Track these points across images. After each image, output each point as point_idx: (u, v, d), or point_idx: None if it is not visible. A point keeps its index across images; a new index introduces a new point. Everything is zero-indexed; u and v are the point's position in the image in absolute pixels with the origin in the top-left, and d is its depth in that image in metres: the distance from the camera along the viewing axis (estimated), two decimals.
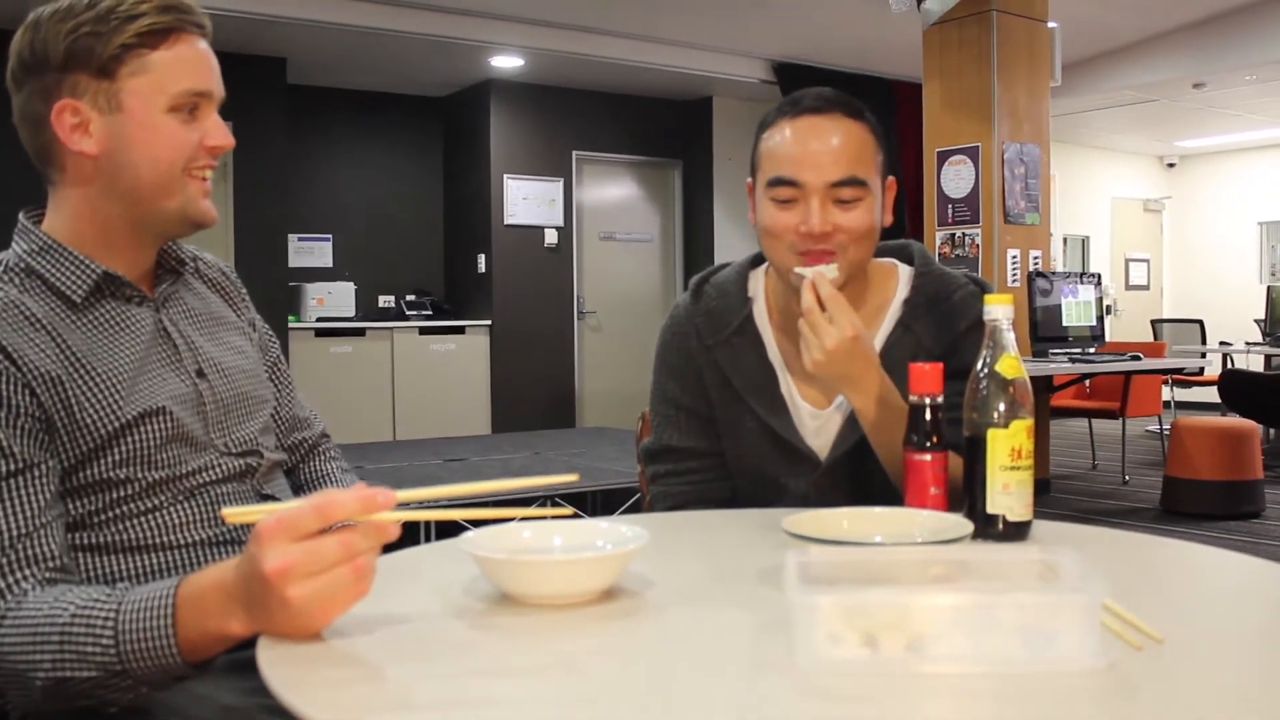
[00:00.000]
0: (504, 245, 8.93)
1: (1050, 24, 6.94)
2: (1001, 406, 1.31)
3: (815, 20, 7.75)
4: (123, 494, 1.29)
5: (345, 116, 8.92)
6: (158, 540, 1.31)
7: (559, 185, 9.26)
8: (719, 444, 1.79)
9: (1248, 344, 9.09)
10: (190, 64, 1.34)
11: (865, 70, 8.78)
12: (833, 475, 1.71)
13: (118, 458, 1.28)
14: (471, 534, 1.13)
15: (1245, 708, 0.81)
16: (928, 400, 1.38)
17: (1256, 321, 9.72)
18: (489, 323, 8.88)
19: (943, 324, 1.70)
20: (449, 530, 1.23)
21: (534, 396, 9.17)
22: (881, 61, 8.59)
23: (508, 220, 8.93)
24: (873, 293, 1.75)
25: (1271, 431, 8.29)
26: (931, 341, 1.70)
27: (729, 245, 9.62)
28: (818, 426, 1.72)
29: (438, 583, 1.19)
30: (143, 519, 1.30)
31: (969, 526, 1.23)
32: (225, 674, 1.20)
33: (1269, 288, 8.73)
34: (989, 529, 1.31)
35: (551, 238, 9.16)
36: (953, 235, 6.76)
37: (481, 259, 8.96)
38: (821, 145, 1.61)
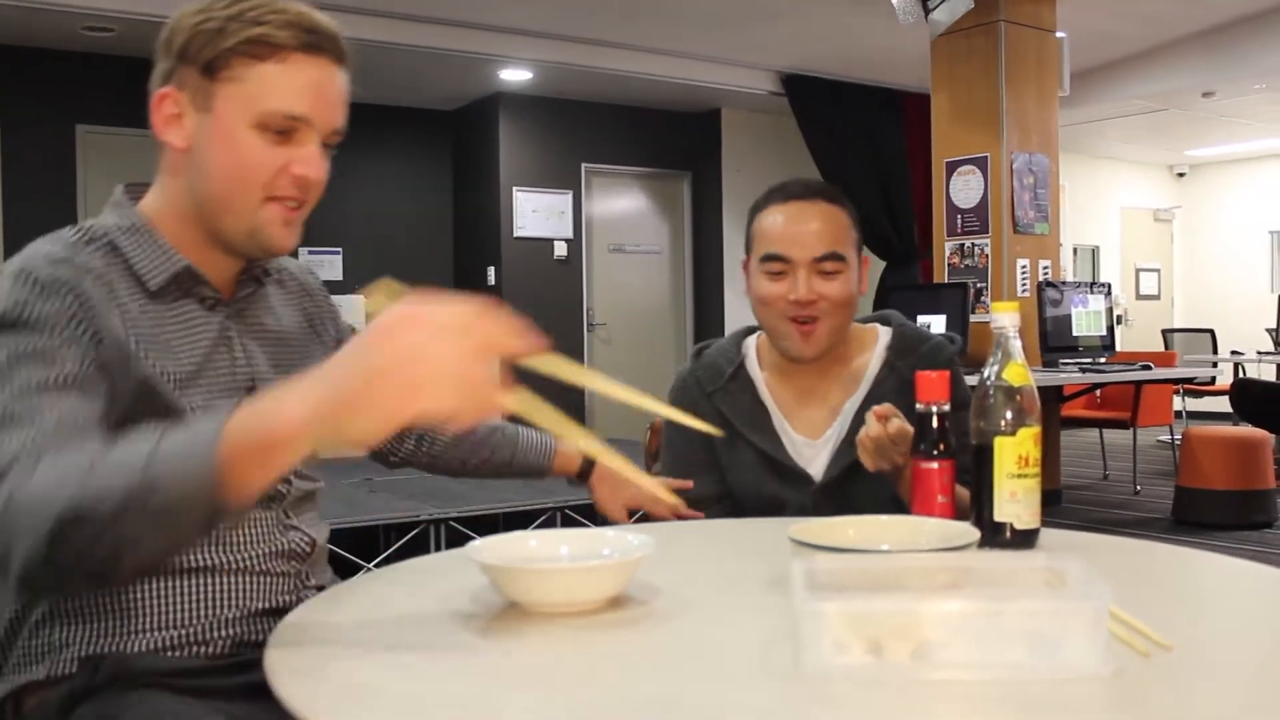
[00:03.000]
0: (513, 258, 8.94)
1: (1059, 34, 6.93)
2: (1008, 414, 1.31)
3: (823, 32, 7.76)
4: None
5: (354, 130, 8.71)
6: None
7: (568, 198, 9.27)
8: (720, 488, 1.94)
9: (1259, 353, 9.07)
10: (295, 86, 1.28)
11: (873, 81, 8.78)
12: (827, 493, 1.85)
13: None
14: (478, 542, 1.13)
15: (1254, 715, 0.80)
16: (934, 408, 1.38)
17: (1268, 331, 9.69)
18: None
19: (920, 363, 1.83)
20: (459, 540, 1.23)
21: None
22: (890, 72, 8.59)
23: (517, 233, 8.94)
24: (855, 350, 1.95)
25: None
26: (910, 373, 1.77)
27: (737, 256, 9.53)
28: (811, 455, 1.90)
29: (445, 591, 1.19)
30: None
31: (975, 534, 1.23)
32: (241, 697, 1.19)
33: None
34: (996, 537, 1.31)
35: (561, 250, 9.17)
36: (962, 245, 6.75)
37: (491, 271, 8.97)
38: (807, 227, 1.85)
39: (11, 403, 1.09)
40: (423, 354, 0.91)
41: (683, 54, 8.29)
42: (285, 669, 0.93)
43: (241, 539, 1.30)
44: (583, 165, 9.37)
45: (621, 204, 9.79)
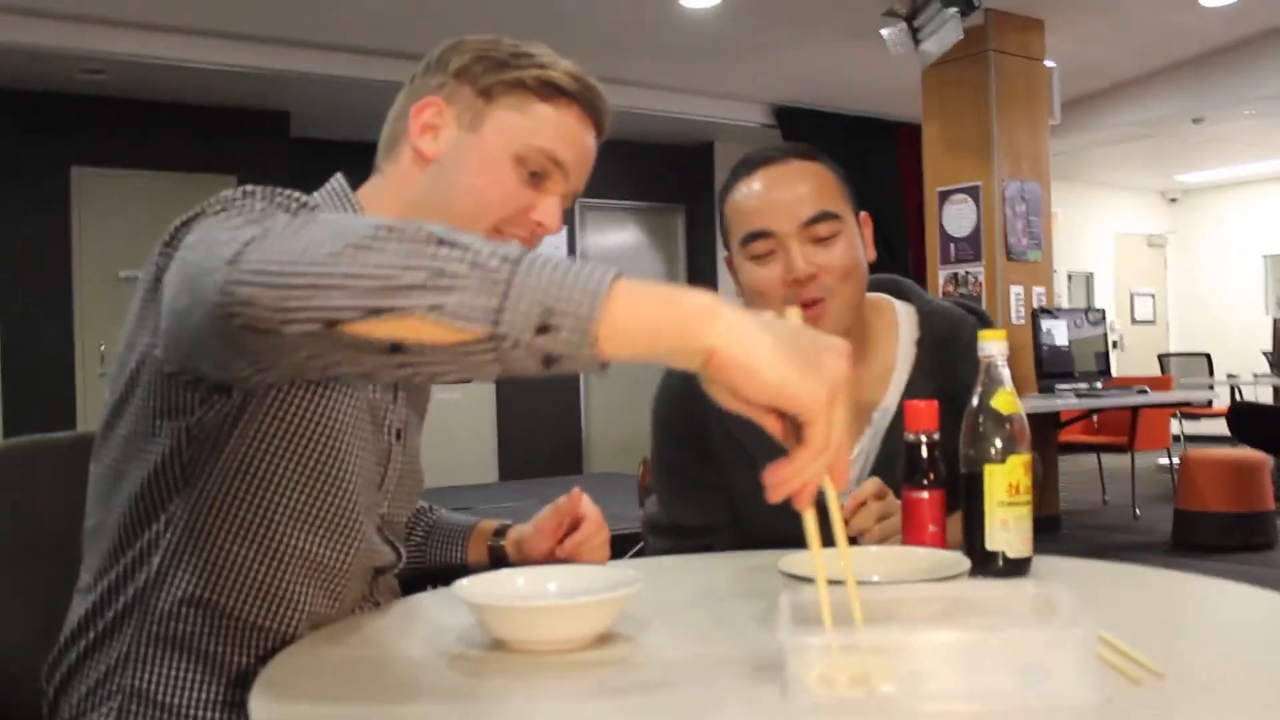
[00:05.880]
0: None
1: (1048, 63, 6.98)
2: (999, 443, 1.30)
3: (815, 64, 7.80)
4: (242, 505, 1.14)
5: (349, 168, 8.80)
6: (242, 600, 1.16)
7: (563, 233, 9.29)
8: (727, 514, 1.72)
9: (1255, 375, 9.07)
10: (563, 134, 1.33)
11: (865, 112, 8.82)
12: None
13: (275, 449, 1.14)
14: (465, 581, 1.13)
15: None
16: (924, 437, 1.38)
17: (1265, 354, 9.69)
18: None
19: (961, 360, 1.60)
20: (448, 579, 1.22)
21: (541, 443, 9.14)
22: (881, 103, 8.63)
23: None
24: (874, 330, 1.70)
25: None
26: (949, 383, 1.60)
27: (732, 290, 9.62)
28: None
29: (433, 630, 1.18)
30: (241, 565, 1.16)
31: (966, 563, 1.22)
32: None
33: (1275, 320, 8.72)
34: (988, 566, 1.30)
35: None
36: (956, 274, 6.77)
37: None
38: (786, 190, 1.59)
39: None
40: (834, 368, 0.90)
41: (675, 88, 8.34)
42: (271, 713, 0.92)
43: (336, 611, 1.25)
44: (577, 200, 9.40)
45: (616, 238, 9.82)
